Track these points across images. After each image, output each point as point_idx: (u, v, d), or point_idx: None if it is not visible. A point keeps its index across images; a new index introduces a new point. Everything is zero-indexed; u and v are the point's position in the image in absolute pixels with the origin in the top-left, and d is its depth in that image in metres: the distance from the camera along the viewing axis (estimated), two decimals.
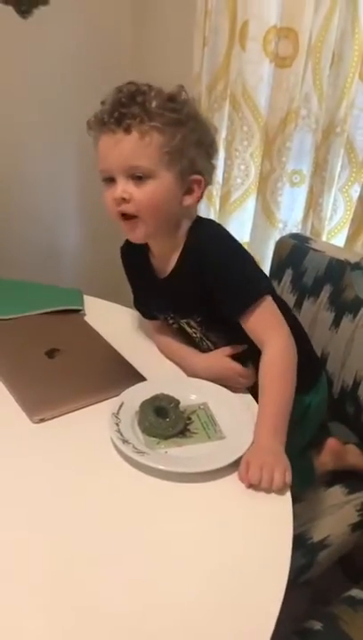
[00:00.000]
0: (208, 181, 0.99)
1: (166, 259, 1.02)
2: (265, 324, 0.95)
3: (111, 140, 0.90)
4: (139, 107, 0.88)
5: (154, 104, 0.89)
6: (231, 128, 1.60)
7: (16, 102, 1.78)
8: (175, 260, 1.01)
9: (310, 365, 1.11)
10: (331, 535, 1.09)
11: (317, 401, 1.14)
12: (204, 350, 1.09)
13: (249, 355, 1.00)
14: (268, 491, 0.80)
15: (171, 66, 1.81)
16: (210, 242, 0.98)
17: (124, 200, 0.92)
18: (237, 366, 1.01)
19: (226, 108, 1.62)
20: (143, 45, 1.89)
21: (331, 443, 1.19)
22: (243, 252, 1.01)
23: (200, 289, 0.97)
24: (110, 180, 0.93)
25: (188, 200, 0.97)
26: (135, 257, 1.08)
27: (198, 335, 1.07)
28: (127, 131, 0.88)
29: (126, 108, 0.88)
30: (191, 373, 1.05)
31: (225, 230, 1.05)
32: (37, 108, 1.81)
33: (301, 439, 1.14)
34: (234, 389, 1.00)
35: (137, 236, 0.98)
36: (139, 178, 0.91)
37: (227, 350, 1.03)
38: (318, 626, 0.89)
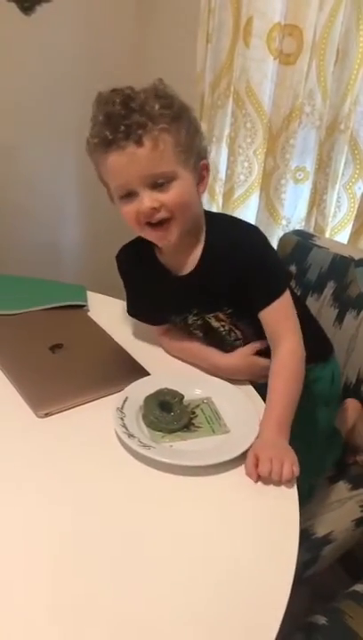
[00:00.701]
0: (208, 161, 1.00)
1: (186, 255, 1.01)
2: (283, 319, 0.97)
3: (124, 156, 0.87)
4: (139, 113, 0.86)
5: (152, 105, 0.87)
6: (235, 125, 1.60)
7: (17, 99, 1.78)
8: (198, 255, 1.00)
9: (323, 335, 1.18)
10: (335, 531, 1.09)
11: (338, 370, 1.18)
12: (231, 342, 1.08)
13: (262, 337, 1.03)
14: (277, 483, 0.81)
15: (174, 63, 1.81)
16: (240, 233, 0.99)
17: (154, 209, 0.90)
18: (264, 362, 1.02)
19: (229, 106, 1.62)
20: (146, 42, 1.89)
21: (349, 401, 1.24)
22: (269, 242, 1.03)
23: (233, 280, 0.97)
24: (129, 195, 0.91)
25: (201, 188, 0.97)
26: (138, 261, 1.06)
27: (227, 327, 1.06)
28: (139, 142, 0.86)
29: (128, 118, 0.86)
30: (215, 373, 1.04)
31: (242, 220, 1.07)
32: (39, 104, 1.80)
33: (335, 412, 1.17)
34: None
35: (170, 239, 0.96)
36: (161, 184, 0.89)
37: (253, 347, 1.04)
38: (322, 620, 0.89)
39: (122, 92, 0.88)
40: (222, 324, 1.06)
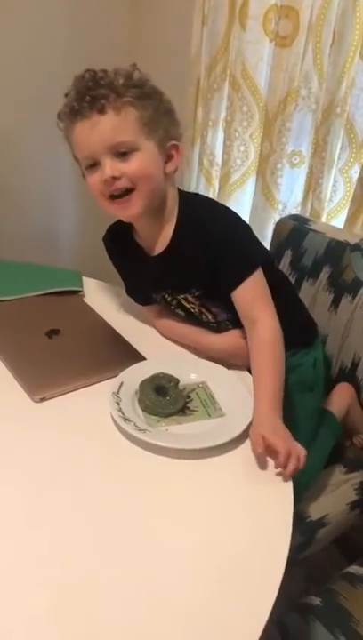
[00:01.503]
0: (183, 149, 1.01)
1: (157, 235, 1.02)
2: (257, 299, 0.97)
3: (87, 125, 0.90)
4: (106, 87, 0.89)
5: (120, 81, 0.90)
6: (231, 109, 1.59)
7: (10, 84, 1.76)
8: (168, 235, 1.01)
9: (309, 321, 1.19)
10: (330, 514, 1.10)
11: (321, 355, 1.19)
12: (205, 323, 1.09)
13: (234, 322, 1.04)
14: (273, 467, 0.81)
15: (170, 46, 1.80)
16: (210, 213, 1.00)
17: (114, 179, 0.92)
18: None
19: (225, 89, 1.61)
20: (142, 25, 1.87)
21: (340, 386, 1.25)
22: (242, 222, 1.02)
23: (201, 261, 0.98)
24: (93, 166, 0.93)
25: (170, 167, 0.98)
26: (120, 242, 1.09)
27: (196, 309, 1.07)
28: (102, 111, 0.89)
29: (94, 90, 0.89)
30: (205, 354, 1.05)
31: (217, 201, 1.07)
32: (32, 89, 1.78)
33: (317, 398, 1.17)
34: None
35: (132, 212, 0.96)
36: (123, 154, 0.91)
37: (243, 331, 1.04)
38: (317, 601, 0.90)
39: (94, 71, 0.92)
40: (192, 305, 1.07)
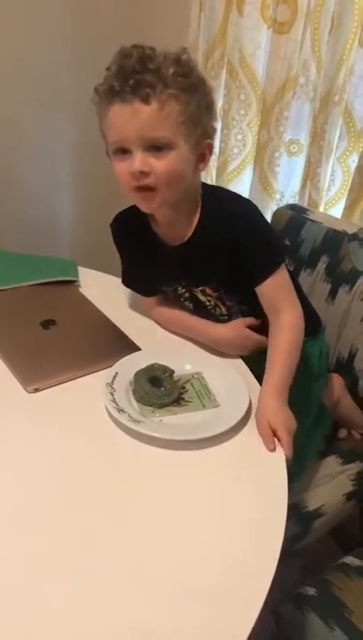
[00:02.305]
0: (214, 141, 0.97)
1: (180, 226, 1.00)
2: (282, 292, 0.98)
3: (127, 111, 0.84)
4: (153, 73, 0.83)
5: (169, 69, 0.84)
6: (228, 97, 1.58)
7: (12, 71, 1.74)
8: (191, 226, 0.99)
9: (313, 310, 1.18)
10: (325, 504, 1.10)
11: (325, 346, 1.19)
12: (216, 316, 1.08)
13: (249, 314, 1.05)
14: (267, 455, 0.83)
15: (167, 32, 1.77)
16: (235, 206, 0.98)
17: (142, 173, 0.87)
18: (257, 337, 1.03)
19: (223, 77, 1.59)
20: (139, 11, 1.84)
21: (332, 376, 1.25)
22: (264, 217, 1.01)
23: (224, 252, 0.96)
24: (123, 152, 0.88)
25: (201, 166, 0.94)
26: (132, 229, 1.05)
27: (212, 302, 1.07)
28: (145, 100, 0.83)
29: (141, 74, 0.83)
30: (212, 345, 1.05)
31: (241, 195, 1.05)
32: (34, 77, 1.77)
33: (321, 389, 1.18)
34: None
35: (152, 207, 0.95)
36: (157, 149, 0.86)
37: (247, 321, 1.04)
38: (311, 591, 0.90)
39: (142, 50, 0.85)
40: (209, 298, 1.06)
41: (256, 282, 0.97)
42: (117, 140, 0.88)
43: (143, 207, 0.96)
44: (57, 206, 2.07)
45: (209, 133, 0.94)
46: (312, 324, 1.17)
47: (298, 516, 1.07)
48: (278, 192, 1.58)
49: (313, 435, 1.13)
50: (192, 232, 0.99)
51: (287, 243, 1.31)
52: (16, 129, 1.84)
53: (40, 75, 1.76)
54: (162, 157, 0.87)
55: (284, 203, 1.57)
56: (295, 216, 1.31)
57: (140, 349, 1.02)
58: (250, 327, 1.05)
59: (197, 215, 0.99)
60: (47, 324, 1.09)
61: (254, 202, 1.58)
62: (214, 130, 0.96)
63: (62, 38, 1.76)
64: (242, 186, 1.68)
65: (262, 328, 1.02)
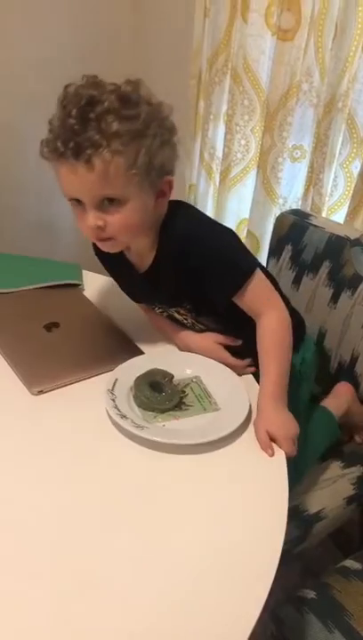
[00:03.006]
0: (174, 172, 0.93)
1: (144, 253, 0.99)
2: (260, 297, 0.97)
3: (72, 173, 0.83)
4: (94, 130, 0.79)
5: (110, 121, 0.80)
6: (232, 102, 1.59)
7: (9, 77, 1.76)
8: (153, 253, 0.98)
9: (296, 323, 1.12)
10: (326, 508, 1.10)
11: (309, 356, 1.17)
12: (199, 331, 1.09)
13: (228, 332, 1.04)
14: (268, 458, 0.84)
15: (172, 38, 1.79)
16: (190, 229, 0.95)
17: (99, 228, 0.87)
18: (228, 358, 1.02)
19: (227, 82, 1.61)
20: (144, 17, 1.86)
21: (339, 386, 1.25)
22: (223, 231, 0.99)
23: (186, 277, 0.96)
24: (78, 202, 0.87)
25: (162, 202, 0.93)
26: (109, 254, 1.01)
27: (189, 321, 1.08)
28: (89, 163, 0.80)
29: (81, 134, 0.80)
30: (182, 346, 1.06)
31: (198, 212, 1.03)
32: (32, 82, 1.78)
33: (306, 393, 1.17)
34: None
35: (115, 250, 0.95)
36: (110, 201, 0.85)
37: (220, 338, 1.04)
38: (311, 594, 0.91)
39: (83, 97, 0.81)
40: (184, 317, 1.07)
41: (229, 295, 0.96)
42: (69, 195, 0.87)
43: (105, 250, 0.95)
44: (61, 209, 2.07)
45: (167, 170, 0.90)
46: (300, 331, 1.16)
47: (298, 519, 1.08)
48: (282, 197, 1.58)
49: (316, 442, 1.13)
50: (152, 260, 0.99)
51: (290, 247, 1.32)
52: (20, 132, 1.85)
53: (43, 79, 1.77)
54: (115, 212, 0.86)
55: (287, 208, 1.58)
56: (298, 221, 1.32)
57: (143, 353, 1.03)
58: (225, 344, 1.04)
59: (157, 242, 0.97)
60: (51, 326, 1.10)
61: (257, 206, 1.62)
62: (174, 160, 0.91)
63: (66, 46, 1.78)
64: (245, 191, 1.69)
65: (245, 350, 1.02)
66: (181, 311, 1.06)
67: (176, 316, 1.08)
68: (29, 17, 1.71)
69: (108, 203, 0.85)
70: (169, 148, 0.89)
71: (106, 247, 0.93)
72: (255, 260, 1.02)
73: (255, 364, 0.97)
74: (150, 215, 0.92)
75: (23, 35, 1.73)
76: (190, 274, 0.94)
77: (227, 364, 1.00)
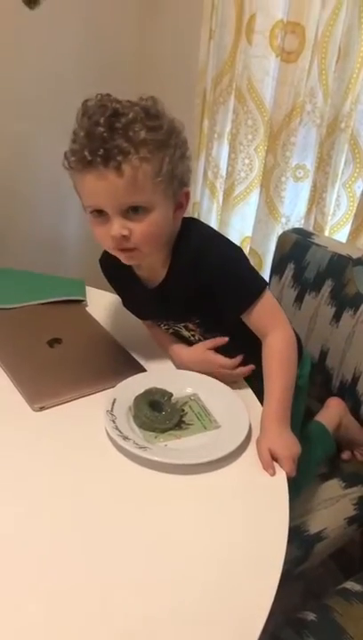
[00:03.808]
0: (189, 185, 0.96)
1: (157, 270, 1.00)
2: (266, 317, 0.97)
3: (101, 182, 0.84)
4: (122, 137, 0.82)
5: (137, 130, 0.82)
6: (236, 122, 1.60)
7: (21, 92, 1.78)
8: (166, 269, 0.99)
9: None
10: (327, 528, 1.10)
11: (306, 372, 1.18)
12: None
13: (234, 347, 1.03)
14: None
15: (177, 59, 1.81)
16: (203, 245, 0.96)
17: (123, 237, 0.88)
18: (218, 358, 1.02)
19: (231, 102, 1.62)
20: (149, 38, 1.88)
21: (331, 400, 1.26)
22: (236, 249, 1.00)
23: (197, 293, 0.97)
24: (100, 213, 0.88)
25: (179, 215, 0.95)
26: (117, 270, 1.04)
27: (197, 337, 1.08)
28: (118, 170, 0.82)
29: (110, 142, 0.81)
30: (178, 364, 1.07)
31: (210, 228, 1.05)
32: (42, 97, 1.81)
33: (302, 406, 1.17)
34: (225, 382, 1.01)
35: (137, 262, 0.97)
36: (135, 210, 0.87)
37: (208, 344, 1.04)
38: (311, 617, 0.90)
39: (108, 109, 0.83)
40: (192, 333, 1.08)
41: (239, 313, 0.97)
42: (93, 204, 0.88)
43: (125, 262, 0.96)
44: (65, 224, 2.09)
45: (185, 182, 0.93)
46: (300, 348, 1.15)
47: (299, 539, 1.07)
48: (284, 216, 1.59)
49: (312, 456, 1.13)
50: (164, 276, 1.00)
51: (292, 266, 1.32)
52: (25, 148, 1.87)
53: (54, 99, 1.80)
54: (141, 220, 0.88)
55: (289, 226, 1.58)
56: (301, 240, 1.33)
57: (145, 370, 1.03)
58: (219, 349, 1.04)
59: (170, 257, 0.99)
60: (53, 342, 1.11)
61: (260, 225, 1.63)
62: (190, 174, 0.95)
63: (77, 69, 1.80)
64: (248, 209, 1.71)
65: (234, 347, 1.03)
66: (190, 326, 1.06)
67: (183, 332, 1.08)
68: (35, 40, 1.74)
69: (133, 212, 0.87)
70: (186, 160, 0.92)
71: (126, 258, 0.94)
72: (263, 279, 1.03)
73: (260, 374, 0.97)
74: (170, 227, 0.94)
75: (31, 53, 1.75)
76: (202, 290, 0.95)
77: (220, 365, 1.01)
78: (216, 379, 1.01)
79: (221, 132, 1.69)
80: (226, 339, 1.04)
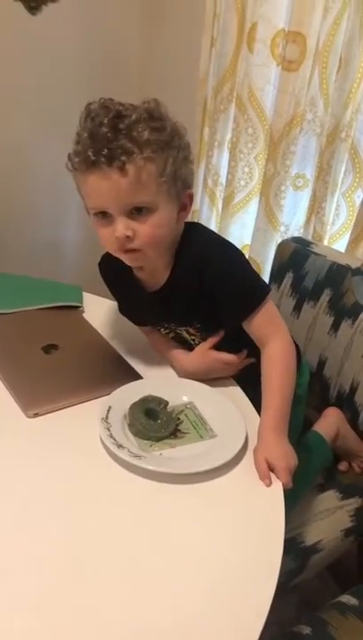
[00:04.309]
0: (192, 187, 0.96)
1: (158, 274, 1.00)
2: (267, 325, 0.97)
3: (104, 182, 0.84)
4: (126, 138, 0.82)
5: (140, 130, 0.83)
6: (236, 130, 1.60)
7: (22, 97, 1.78)
8: (168, 272, 0.99)
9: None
10: (323, 540, 1.08)
11: (304, 381, 1.17)
12: None
13: (232, 345, 1.03)
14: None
15: (178, 67, 1.82)
16: (207, 249, 0.96)
17: (127, 238, 0.87)
18: (224, 356, 1.02)
19: (232, 110, 1.63)
20: (151, 46, 1.89)
21: (329, 410, 1.25)
22: (240, 255, 1.00)
23: (199, 297, 0.96)
24: (104, 215, 0.88)
25: (183, 217, 0.94)
26: (116, 273, 1.04)
27: (197, 341, 1.07)
28: (122, 170, 0.82)
29: (114, 142, 0.82)
30: (184, 375, 1.04)
31: (214, 233, 1.05)
32: (44, 102, 1.81)
33: (300, 415, 1.17)
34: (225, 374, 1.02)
35: (141, 264, 0.96)
36: (139, 211, 0.87)
37: (207, 344, 1.04)
38: (307, 630, 0.88)
39: (112, 110, 0.83)
40: (193, 337, 1.07)
41: (240, 319, 0.97)
42: (97, 206, 0.88)
43: (131, 264, 0.96)
44: (63, 230, 2.09)
45: (189, 183, 0.93)
46: (298, 357, 1.15)
47: (295, 550, 1.06)
48: (283, 225, 1.59)
49: (308, 465, 1.12)
50: (166, 280, 0.99)
51: (291, 275, 1.32)
52: (24, 156, 1.87)
53: (54, 104, 1.80)
54: (145, 220, 0.87)
55: (288, 235, 1.58)
56: (300, 249, 1.32)
57: (141, 377, 1.02)
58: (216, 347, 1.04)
59: (172, 261, 0.98)
60: (49, 348, 1.10)
61: (259, 233, 1.63)
62: (193, 176, 0.95)
63: (74, 72, 1.81)
64: (248, 217, 1.70)
65: (232, 342, 1.03)
66: (191, 330, 1.06)
67: (184, 335, 1.07)
68: (37, 45, 1.74)
69: (137, 212, 0.87)
70: (189, 163, 0.93)
71: (130, 260, 0.94)
72: (267, 285, 1.02)
73: (258, 381, 0.96)
74: (173, 229, 0.94)
75: (31, 60, 1.76)
76: (204, 294, 0.95)
77: (226, 363, 1.02)
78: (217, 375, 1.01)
79: (222, 140, 1.69)
80: (221, 332, 1.03)
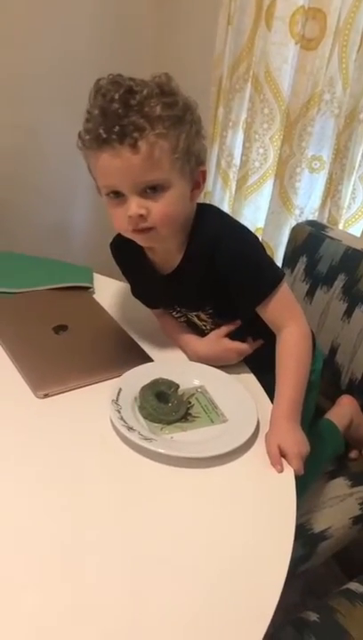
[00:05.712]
0: (205, 163, 0.94)
1: (171, 256, 0.98)
2: (282, 310, 0.95)
3: (116, 159, 0.82)
4: (138, 114, 0.80)
5: (153, 105, 0.81)
6: (252, 110, 1.57)
7: (35, 81, 1.76)
8: (181, 254, 0.97)
9: None
10: (332, 527, 1.08)
11: (318, 367, 1.15)
12: None
13: (246, 330, 1.02)
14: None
15: (194, 44, 1.78)
16: (221, 232, 0.94)
17: (140, 217, 0.86)
18: (236, 345, 1.01)
19: (248, 90, 1.59)
20: (167, 23, 1.85)
21: (343, 398, 1.24)
22: (254, 239, 0.99)
23: (212, 281, 0.95)
24: (116, 194, 0.86)
25: (196, 194, 0.92)
26: (129, 254, 1.02)
27: (209, 327, 1.05)
28: (134, 147, 0.80)
29: (125, 118, 0.79)
30: (195, 358, 1.03)
31: (228, 215, 1.03)
32: (56, 86, 1.78)
33: (312, 402, 1.15)
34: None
35: (153, 243, 0.95)
36: (153, 189, 0.85)
37: (222, 331, 1.02)
38: (314, 617, 0.88)
39: (122, 86, 0.81)
40: (204, 323, 1.05)
41: (252, 306, 0.95)
42: (109, 184, 0.86)
43: (143, 244, 0.95)
44: (73, 212, 2.08)
45: (202, 159, 0.91)
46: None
47: (303, 537, 1.05)
48: (298, 208, 1.56)
49: (319, 453, 1.11)
50: (180, 261, 0.97)
51: (305, 259, 1.30)
52: (39, 135, 1.85)
53: (64, 83, 1.77)
54: (158, 198, 0.86)
55: (303, 219, 1.55)
56: (314, 232, 1.30)
57: (151, 359, 1.01)
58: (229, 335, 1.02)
59: (186, 243, 0.96)
60: (59, 329, 1.09)
61: (273, 216, 1.60)
62: (206, 152, 0.94)
63: (88, 53, 1.78)
64: (262, 200, 1.68)
65: (245, 330, 1.02)
66: (202, 316, 1.04)
67: (196, 320, 1.06)
68: (51, 28, 1.71)
69: (150, 190, 0.85)
70: (202, 138, 0.90)
71: (143, 240, 0.92)
72: (281, 269, 1.00)
73: (271, 367, 0.95)
74: (187, 207, 0.92)
75: (44, 38, 1.73)
76: (218, 278, 0.93)
77: (239, 353, 1.00)
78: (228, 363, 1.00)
79: (237, 121, 1.66)
80: (238, 322, 1.02)
